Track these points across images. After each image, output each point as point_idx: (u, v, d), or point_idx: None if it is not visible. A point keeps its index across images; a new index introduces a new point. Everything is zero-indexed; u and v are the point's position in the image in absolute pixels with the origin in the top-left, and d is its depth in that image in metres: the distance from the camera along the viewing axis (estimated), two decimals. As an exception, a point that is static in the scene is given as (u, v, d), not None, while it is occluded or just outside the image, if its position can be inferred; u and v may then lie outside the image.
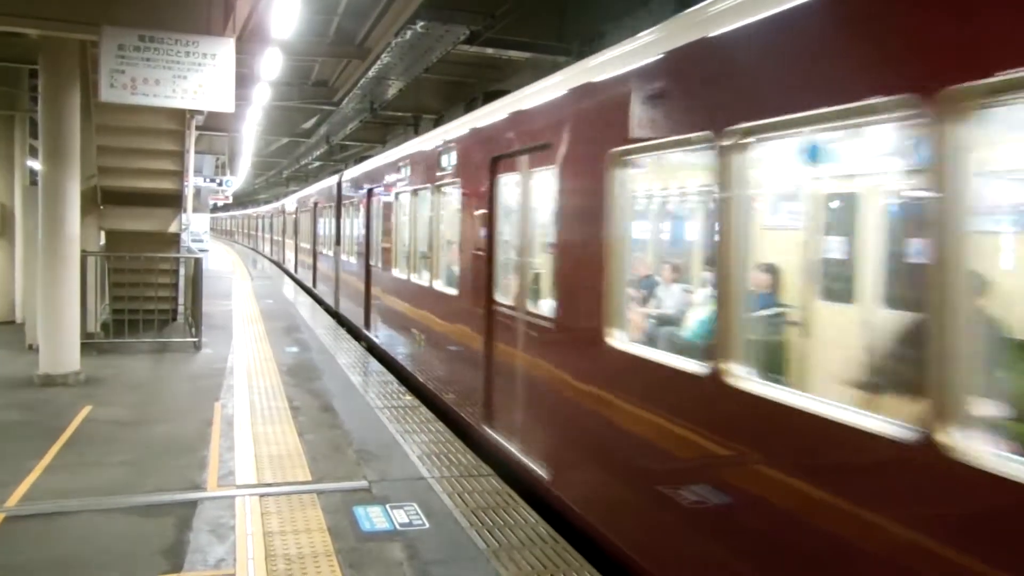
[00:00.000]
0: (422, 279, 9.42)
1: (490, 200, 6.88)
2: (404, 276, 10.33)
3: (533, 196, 6.16)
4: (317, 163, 33.46)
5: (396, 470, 6.34)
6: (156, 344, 12.05)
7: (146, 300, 12.52)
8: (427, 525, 5.20)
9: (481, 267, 7.04)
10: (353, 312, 14.38)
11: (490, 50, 11.71)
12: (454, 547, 4.88)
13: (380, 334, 11.98)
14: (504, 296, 6.69)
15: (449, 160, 8.27)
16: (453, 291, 8.05)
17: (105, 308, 13.10)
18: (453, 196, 8.29)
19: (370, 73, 13.94)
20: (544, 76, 6.54)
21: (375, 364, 11.06)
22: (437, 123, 14.77)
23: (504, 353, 6.52)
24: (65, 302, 9.49)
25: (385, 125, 22.51)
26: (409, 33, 11.04)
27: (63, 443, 6.95)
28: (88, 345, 10.54)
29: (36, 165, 10.95)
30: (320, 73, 17.28)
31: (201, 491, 5.79)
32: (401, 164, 10.63)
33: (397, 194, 10.87)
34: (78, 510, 5.39)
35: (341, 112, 19.05)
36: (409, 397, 8.96)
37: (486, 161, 6.95)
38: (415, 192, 9.88)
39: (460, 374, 7.87)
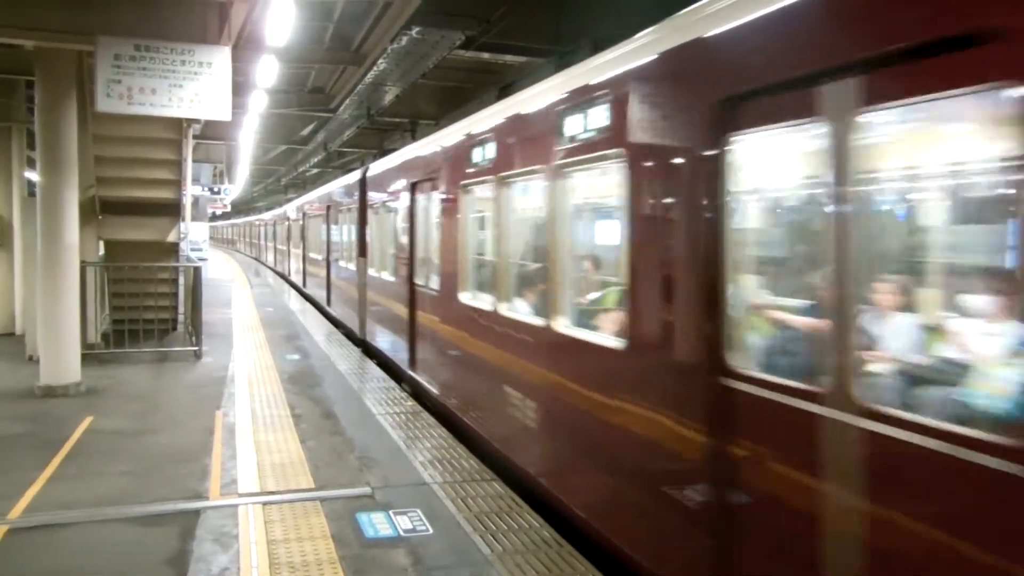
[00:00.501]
0: (522, 314, 6.49)
1: (712, 186, 3.78)
2: (484, 306, 7.14)
3: (880, 166, 3.35)
4: (315, 170, 33.51)
5: (399, 476, 6.32)
6: (157, 353, 12.05)
7: (146, 309, 12.53)
8: (431, 531, 5.19)
9: (690, 309, 4.04)
10: (389, 343, 11.41)
11: (486, 55, 11.73)
12: (458, 552, 4.86)
13: (441, 385, 8.65)
14: (760, 364, 3.73)
15: (586, 122, 5.10)
16: (613, 343, 4.83)
17: (105, 318, 13.11)
18: (603, 183, 5.39)
19: (367, 79, 13.96)
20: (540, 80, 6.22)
21: (377, 371, 11.04)
22: (436, 128, 14.66)
23: (775, 478, 3.45)
24: (65, 313, 9.48)
25: (382, 131, 22.55)
26: (405, 39, 11.07)
27: (65, 454, 6.95)
28: (88, 356, 10.53)
29: (34, 176, 10.92)
30: (316, 80, 17.30)
31: (204, 500, 5.78)
32: (472, 143, 7.48)
33: (465, 185, 7.70)
34: (81, 521, 5.39)
35: (338, 119, 19.08)
36: (411, 403, 8.94)
37: (697, 113, 3.95)
38: (503, 180, 6.75)
39: (628, 480, 4.70)
